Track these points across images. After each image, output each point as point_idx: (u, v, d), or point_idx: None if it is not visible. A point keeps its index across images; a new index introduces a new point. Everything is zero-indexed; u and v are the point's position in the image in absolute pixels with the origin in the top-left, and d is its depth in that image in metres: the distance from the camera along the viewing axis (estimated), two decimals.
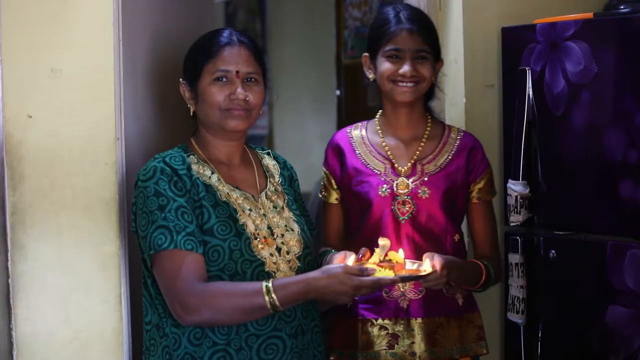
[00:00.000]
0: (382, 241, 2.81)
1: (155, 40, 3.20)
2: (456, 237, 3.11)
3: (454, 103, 3.59)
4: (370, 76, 3.12)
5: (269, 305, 2.63)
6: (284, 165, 2.99)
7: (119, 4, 2.95)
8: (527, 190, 3.39)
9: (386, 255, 2.80)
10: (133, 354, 2.99)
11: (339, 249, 2.97)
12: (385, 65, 3.05)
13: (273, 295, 2.63)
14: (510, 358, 3.47)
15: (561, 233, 3.35)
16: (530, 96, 3.39)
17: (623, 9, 3.34)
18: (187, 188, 2.71)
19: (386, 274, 2.71)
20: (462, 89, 3.58)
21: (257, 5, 7.18)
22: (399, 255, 2.81)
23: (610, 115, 3.19)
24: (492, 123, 3.58)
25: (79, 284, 2.93)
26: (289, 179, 2.98)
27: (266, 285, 2.64)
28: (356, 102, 5.85)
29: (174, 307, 2.66)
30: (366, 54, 3.14)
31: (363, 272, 2.66)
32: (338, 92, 6.09)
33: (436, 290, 3.01)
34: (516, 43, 3.46)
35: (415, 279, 2.81)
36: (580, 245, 3.29)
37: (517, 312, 3.41)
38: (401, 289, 3.04)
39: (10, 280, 2.90)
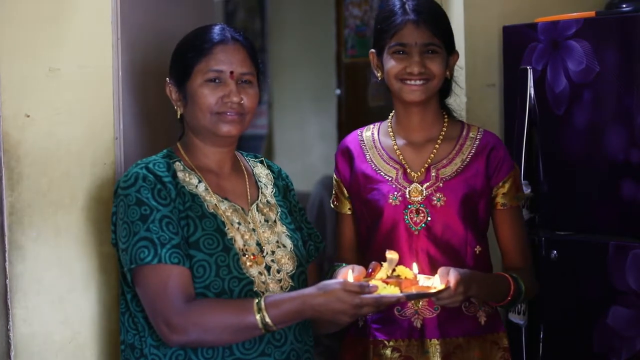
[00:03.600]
0: (390, 254, 2.54)
1: (155, 38, 3.19)
2: (477, 249, 2.80)
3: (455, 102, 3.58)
4: (378, 75, 2.83)
5: (260, 325, 2.42)
6: (278, 175, 2.77)
7: (118, 3, 2.93)
8: (529, 190, 3.37)
9: (394, 270, 2.55)
10: None
11: (354, 264, 2.67)
12: (391, 63, 2.76)
13: (265, 313, 2.42)
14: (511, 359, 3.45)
15: (563, 233, 3.35)
16: (532, 95, 3.38)
17: (625, 7, 3.33)
18: (172, 197, 2.52)
19: (391, 291, 2.43)
20: (463, 88, 3.56)
21: (256, 3, 7.17)
22: (409, 270, 2.54)
23: (612, 114, 3.18)
24: (494, 122, 3.57)
25: (77, 284, 2.91)
26: (284, 189, 2.76)
27: (257, 303, 2.43)
28: (356, 101, 5.84)
29: (159, 326, 2.46)
30: (373, 50, 2.85)
31: (364, 289, 2.40)
32: (338, 92, 6.08)
33: (453, 308, 2.71)
34: (517, 42, 3.45)
35: (424, 296, 2.55)
36: (581, 245, 3.28)
37: (519, 313, 3.40)
38: (414, 307, 2.78)
39: (8, 281, 2.89)
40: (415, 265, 2.57)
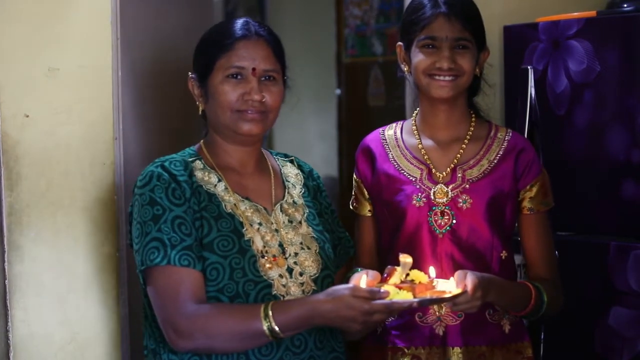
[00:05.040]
0: (403, 258, 2.39)
1: (154, 38, 3.18)
2: (503, 254, 2.67)
3: None
4: (405, 69, 2.71)
5: (267, 331, 2.31)
6: (309, 175, 2.66)
7: (118, 3, 2.93)
8: None
9: (408, 274, 2.41)
10: (131, 356, 2.97)
11: (374, 269, 2.51)
12: (419, 57, 2.64)
13: (271, 319, 2.31)
14: None
15: (564, 234, 3.33)
16: (533, 95, 3.38)
17: (626, 7, 3.32)
18: (187, 197, 2.42)
19: (404, 296, 2.29)
20: None
21: (256, 3, 7.16)
22: (423, 274, 2.40)
23: (613, 114, 3.18)
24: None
25: (76, 285, 2.91)
26: (314, 190, 2.64)
27: (264, 309, 2.32)
28: (356, 101, 5.83)
29: (167, 330, 2.37)
30: (400, 43, 2.72)
31: (374, 294, 2.27)
32: (338, 92, 6.07)
33: (478, 316, 2.60)
34: (518, 42, 3.44)
35: (438, 301, 2.44)
36: (582, 246, 3.27)
37: None
38: (437, 313, 2.65)
39: (6, 281, 2.88)
40: (432, 269, 2.44)
